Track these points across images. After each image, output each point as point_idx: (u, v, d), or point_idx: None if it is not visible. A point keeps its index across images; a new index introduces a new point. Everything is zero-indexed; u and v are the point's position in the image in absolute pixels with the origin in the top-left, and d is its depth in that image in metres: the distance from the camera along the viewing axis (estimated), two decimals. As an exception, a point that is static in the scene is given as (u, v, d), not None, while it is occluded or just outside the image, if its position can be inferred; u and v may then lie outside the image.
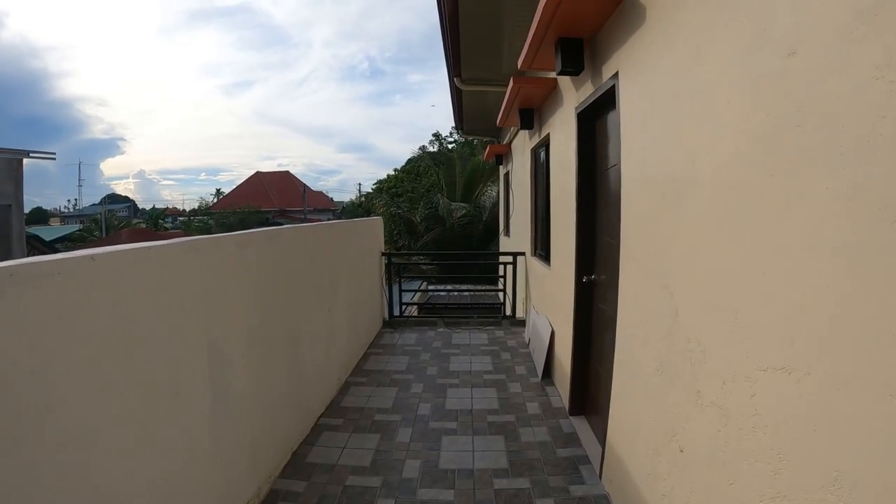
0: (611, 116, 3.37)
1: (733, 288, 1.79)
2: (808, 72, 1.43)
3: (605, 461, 3.21)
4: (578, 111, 3.87)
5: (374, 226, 7.57)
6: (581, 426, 4.02)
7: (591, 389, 4.08)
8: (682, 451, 2.18)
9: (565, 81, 4.27)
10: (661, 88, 2.36)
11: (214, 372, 2.48)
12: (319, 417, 4.18)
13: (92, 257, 1.69)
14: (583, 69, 3.45)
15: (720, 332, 1.88)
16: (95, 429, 1.70)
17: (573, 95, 4.03)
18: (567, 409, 4.31)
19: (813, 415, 1.43)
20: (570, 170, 4.23)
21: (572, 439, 3.83)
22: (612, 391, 3.10)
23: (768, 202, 1.60)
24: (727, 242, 1.83)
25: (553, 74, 4.66)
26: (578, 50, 3.35)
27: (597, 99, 3.38)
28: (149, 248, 2.02)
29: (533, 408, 4.43)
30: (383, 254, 7.69)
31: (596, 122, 3.80)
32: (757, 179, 1.65)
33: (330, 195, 55.28)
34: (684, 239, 2.15)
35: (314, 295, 4.17)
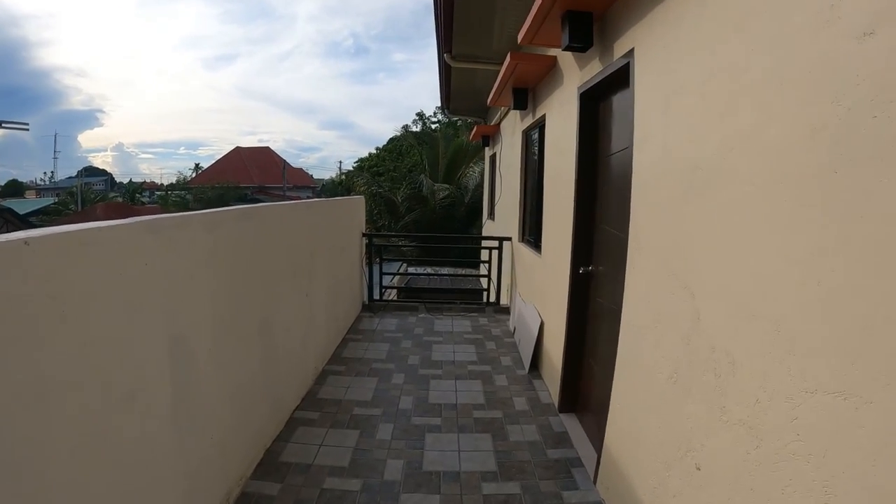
0: (620, 97, 3.13)
1: (777, 296, 1.57)
2: (890, 55, 1.20)
3: (601, 466, 3.01)
4: (581, 91, 3.61)
5: (356, 205, 7.26)
6: (572, 425, 3.83)
7: (582, 386, 3.89)
8: (698, 468, 1.98)
9: (567, 60, 4.01)
10: (689, 66, 2.11)
11: (177, 369, 2.20)
12: (295, 411, 3.92)
13: (26, 241, 1.40)
14: (591, 45, 3.19)
15: (755, 344, 1.66)
16: (32, 441, 1.43)
17: (576, 75, 3.77)
18: (556, 405, 4.11)
19: (874, 449, 1.23)
20: (568, 153, 3.99)
21: (563, 439, 3.64)
22: (613, 393, 2.90)
23: (831, 201, 1.38)
24: (772, 244, 1.60)
25: (552, 52, 4.40)
26: (587, 24, 3.08)
27: (605, 78, 3.13)
28: (99, 229, 1.72)
29: (520, 403, 4.23)
30: (364, 234, 7.40)
31: (600, 103, 3.55)
32: (816, 174, 1.43)
33: (310, 172, 54.68)
34: (714, 235, 1.92)
35: (291, 279, 3.88)
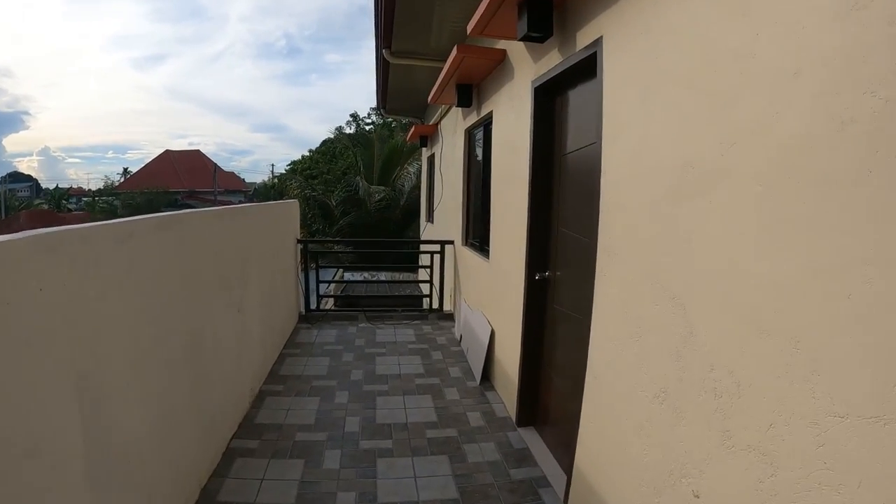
0: (583, 90, 2.95)
1: (795, 310, 1.40)
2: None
3: (571, 487, 2.81)
4: (536, 85, 3.41)
5: (290, 210, 6.83)
6: (532, 440, 3.63)
7: (542, 399, 3.70)
8: (697, 496, 1.79)
9: (518, 53, 3.81)
10: (677, 53, 1.93)
11: (89, 411, 1.81)
12: (232, 439, 3.52)
13: None
14: (551, 35, 2.99)
15: (768, 363, 1.48)
16: None
17: (529, 68, 3.57)
18: (514, 419, 3.91)
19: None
20: (520, 152, 3.79)
21: (525, 457, 3.43)
22: (584, 409, 2.70)
23: (865, 204, 1.21)
24: (787, 252, 1.42)
25: (501, 45, 4.20)
26: (547, 12, 2.88)
27: (566, 70, 2.94)
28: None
29: (475, 419, 4.00)
30: (299, 240, 6.99)
31: (557, 97, 3.37)
32: (845, 173, 1.25)
33: (242, 176, 52.87)
34: (713, 241, 1.73)
35: (221, 293, 3.47)
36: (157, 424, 2.40)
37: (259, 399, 4.24)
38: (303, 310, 6.97)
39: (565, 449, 3.08)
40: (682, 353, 1.89)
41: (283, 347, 5.64)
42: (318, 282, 7.35)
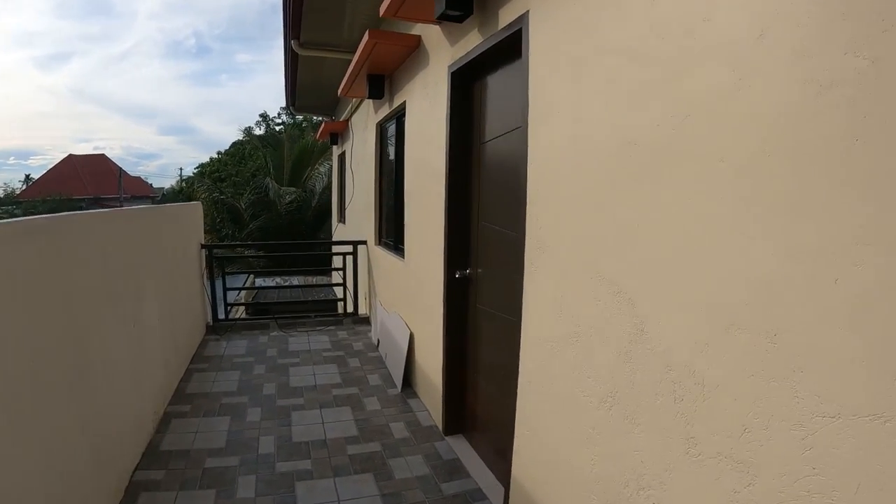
0: (506, 72, 2.77)
1: (769, 301, 1.25)
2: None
3: (510, 500, 2.60)
4: (454, 70, 3.19)
5: (192, 213, 6.25)
6: (462, 448, 3.41)
7: (470, 405, 3.49)
8: (657, 509, 1.62)
9: (434, 38, 3.57)
10: (616, 23, 1.75)
11: None
12: (135, 471, 3.04)
13: None
14: (471, 13, 2.77)
15: (739, 361, 1.33)
16: None
17: (446, 53, 3.34)
18: (441, 427, 3.67)
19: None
20: (435, 142, 3.56)
21: (456, 468, 3.20)
22: (518, 417, 2.51)
23: (852, 177, 1.07)
24: (758, 235, 1.27)
25: (416, 31, 3.96)
26: (466, -12, 2.67)
27: (487, 51, 2.73)
28: None
29: (399, 430, 3.73)
30: (203, 246, 6.45)
31: (477, 82, 3.17)
32: (827, 143, 1.12)
33: (150, 181, 49.59)
34: (666, 227, 1.56)
35: (111, 306, 2.99)
36: (39, 469, 1.96)
37: (164, 422, 3.75)
38: (210, 320, 6.40)
39: (500, 457, 2.88)
40: (632, 352, 1.72)
41: (191, 362, 5.11)
42: (226, 289, 6.79)
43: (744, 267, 1.30)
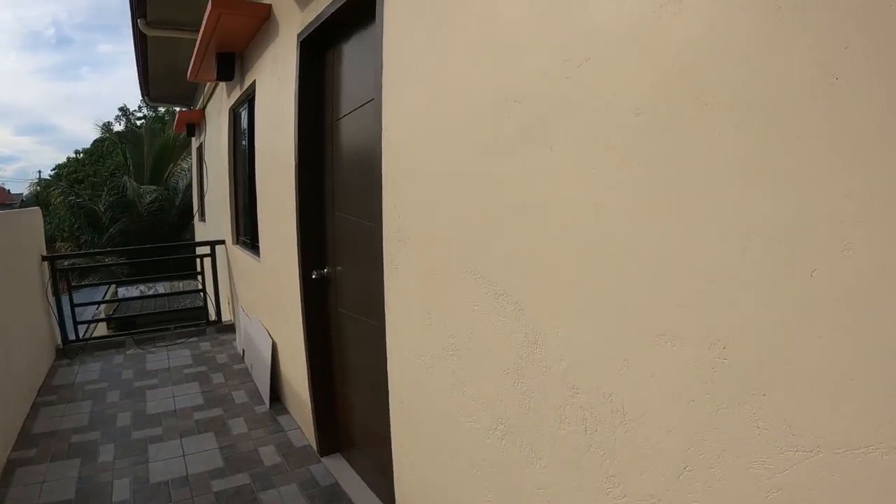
0: (361, 37, 2.34)
1: (715, 301, 0.92)
2: None
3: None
4: (303, 38, 2.71)
5: (29, 220, 5.26)
6: (341, 470, 2.98)
7: (342, 420, 3.07)
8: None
9: (285, 6, 3.04)
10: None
11: None
12: None
13: None
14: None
15: (673, 381, 0.99)
16: None
17: (296, 18, 2.82)
18: (315, 447, 3.21)
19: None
20: (285, 124, 3.08)
21: (336, 494, 2.77)
22: (394, 440, 2.13)
23: (838, 133, 0.74)
24: (698, 216, 0.93)
25: (267, 0, 3.41)
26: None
27: (337, 12, 2.27)
28: None
29: (270, 455, 3.22)
30: (45, 258, 5.50)
31: (329, 51, 2.71)
32: (788, 81, 0.79)
33: (7, 187, 44.11)
34: (558, 208, 1.20)
35: None
36: None
37: (8, 473, 3.09)
38: (61, 342, 5.45)
39: (380, 475, 2.50)
40: (524, 370, 1.36)
41: (38, 394, 4.23)
42: (73, 306, 5.83)
43: (674, 255, 0.96)
